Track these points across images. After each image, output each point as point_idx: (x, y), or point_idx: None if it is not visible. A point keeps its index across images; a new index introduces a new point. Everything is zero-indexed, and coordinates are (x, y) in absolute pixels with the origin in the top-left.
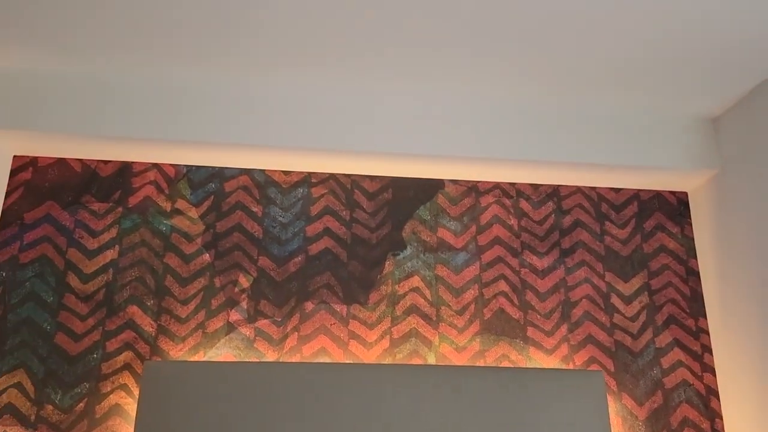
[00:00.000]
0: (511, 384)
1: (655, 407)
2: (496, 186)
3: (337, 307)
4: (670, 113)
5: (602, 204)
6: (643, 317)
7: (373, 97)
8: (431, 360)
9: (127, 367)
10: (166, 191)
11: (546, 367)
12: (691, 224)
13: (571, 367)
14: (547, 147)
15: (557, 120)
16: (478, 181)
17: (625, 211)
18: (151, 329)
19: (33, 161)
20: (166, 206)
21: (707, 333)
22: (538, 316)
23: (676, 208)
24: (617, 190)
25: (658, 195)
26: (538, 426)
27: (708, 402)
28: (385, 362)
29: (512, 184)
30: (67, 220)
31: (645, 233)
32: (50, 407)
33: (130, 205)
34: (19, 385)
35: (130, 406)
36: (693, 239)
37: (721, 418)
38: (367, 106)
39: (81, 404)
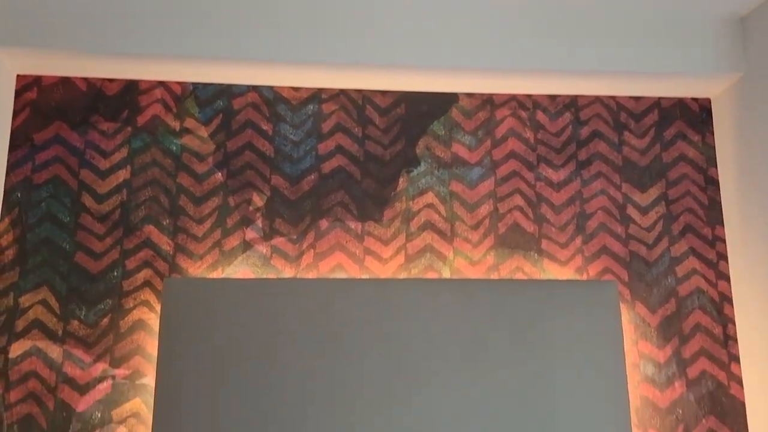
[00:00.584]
0: (525, 295)
1: (668, 314)
2: (512, 98)
3: (352, 225)
4: (693, 14)
5: (621, 113)
6: (659, 227)
7: (384, 8)
8: (446, 274)
9: (147, 284)
10: (174, 110)
11: (560, 278)
12: (712, 132)
13: (584, 278)
14: (565, 55)
15: (575, 27)
16: (494, 94)
17: (645, 120)
18: (168, 248)
19: (37, 80)
20: (175, 125)
21: (723, 241)
22: (553, 229)
23: (698, 116)
24: (637, 99)
25: (679, 102)
26: (552, 335)
27: (721, 308)
28: (401, 277)
29: (529, 96)
30: (77, 140)
31: (664, 142)
32: (76, 322)
33: (139, 125)
34: (44, 302)
35: (153, 321)
36: (714, 147)
37: (734, 323)
38: (378, 18)
39: (105, 319)
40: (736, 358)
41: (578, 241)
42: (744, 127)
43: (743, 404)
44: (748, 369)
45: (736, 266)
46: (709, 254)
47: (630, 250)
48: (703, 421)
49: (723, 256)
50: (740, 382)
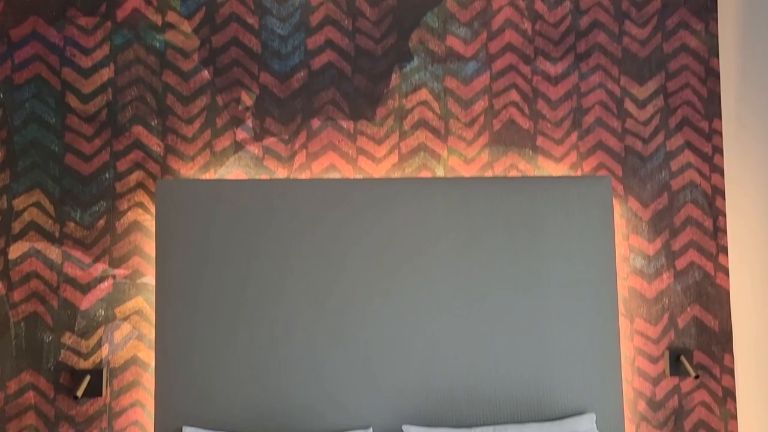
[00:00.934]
0: (519, 193)
1: (660, 208)
2: None
3: (344, 124)
4: None
5: (623, 1)
6: (656, 121)
7: None
8: (440, 173)
9: (140, 185)
10: (155, 3)
11: (554, 175)
12: (716, 20)
13: (579, 173)
14: None
15: None
16: None
17: (648, 8)
18: (158, 149)
19: None
20: (157, 20)
21: (720, 134)
22: (549, 125)
23: (703, 3)
24: None
25: None
26: (545, 231)
27: (713, 201)
28: (395, 176)
29: None
30: (55, 36)
31: (666, 32)
32: (72, 224)
33: (119, 19)
34: (38, 204)
35: (149, 222)
36: (717, 36)
37: (725, 215)
38: None
39: (101, 221)
40: (724, 249)
41: (574, 136)
42: (749, 13)
43: (728, 293)
44: (736, 259)
45: (730, 159)
46: (705, 148)
47: (625, 145)
48: (688, 309)
49: (718, 150)
50: (727, 272)
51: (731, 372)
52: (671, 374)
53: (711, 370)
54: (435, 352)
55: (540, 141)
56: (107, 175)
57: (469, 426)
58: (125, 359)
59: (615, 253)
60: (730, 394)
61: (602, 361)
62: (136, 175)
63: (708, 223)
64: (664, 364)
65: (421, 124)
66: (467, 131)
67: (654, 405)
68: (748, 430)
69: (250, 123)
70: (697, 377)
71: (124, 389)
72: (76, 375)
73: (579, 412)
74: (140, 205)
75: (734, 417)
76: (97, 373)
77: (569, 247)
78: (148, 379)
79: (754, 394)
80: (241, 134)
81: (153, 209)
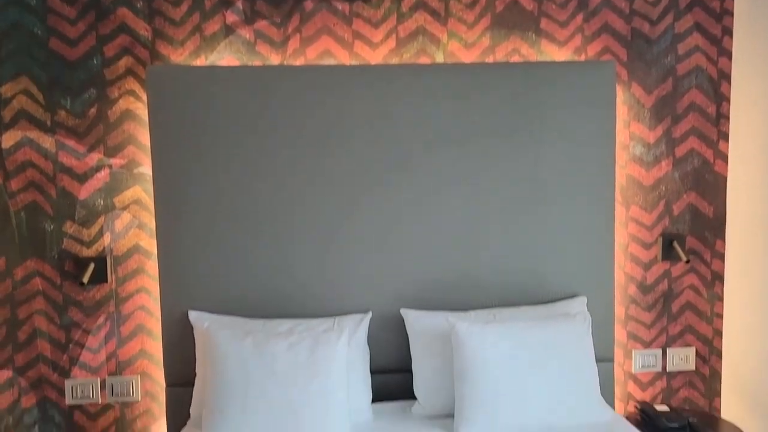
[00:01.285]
0: (520, 79)
1: (664, 94)
2: None
3: (339, 5)
4: None
5: None
6: (665, 1)
7: None
8: (439, 59)
9: (130, 72)
10: None
11: (557, 60)
12: None
13: (582, 58)
14: None
15: None
16: None
17: None
18: (146, 33)
19: None
20: None
21: (731, 14)
22: (554, 6)
23: None
24: None
25: None
26: (546, 119)
27: (718, 86)
28: (392, 62)
29: None
30: None
31: None
32: (63, 113)
33: None
34: (26, 92)
35: (141, 111)
36: None
37: (728, 101)
38: None
39: (93, 109)
40: (725, 136)
41: (579, 19)
42: None
43: (725, 179)
44: (736, 145)
45: (740, 40)
46: (714, 29)
47: (632, 27)
48: (684, 196)
49: (728, 31)
50: (726, 159)
51: (721, 257)
52: (663, 259)
53: (702, 255)
54: (434, 239)
55: (544, 23)
56: (95, 61)
57: (465, 309)
58: (128, 247)
59: (615, 141)
60: (718, 278)
61: (596, 248)
62: (125, 61)
63: (711, 109)
64: (657, 250)
65: (420, 5)
66: (468, 13)
67: (644, 288)
68: (733, 311)
69: (240, 5)
70: (687, 262)
71: (128, 276)
72: (80, 263)
73: (571, 296)
74: (131, 92)
75: (720, 299)
76: (100, 260)
77: (570, 134)
78: (152, 266)
79: (741, 278)
80: (231, 17)
81: (144, 97)
